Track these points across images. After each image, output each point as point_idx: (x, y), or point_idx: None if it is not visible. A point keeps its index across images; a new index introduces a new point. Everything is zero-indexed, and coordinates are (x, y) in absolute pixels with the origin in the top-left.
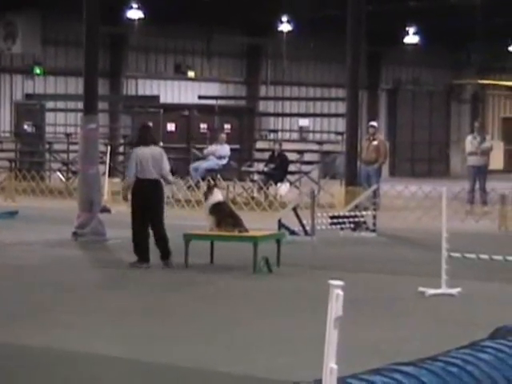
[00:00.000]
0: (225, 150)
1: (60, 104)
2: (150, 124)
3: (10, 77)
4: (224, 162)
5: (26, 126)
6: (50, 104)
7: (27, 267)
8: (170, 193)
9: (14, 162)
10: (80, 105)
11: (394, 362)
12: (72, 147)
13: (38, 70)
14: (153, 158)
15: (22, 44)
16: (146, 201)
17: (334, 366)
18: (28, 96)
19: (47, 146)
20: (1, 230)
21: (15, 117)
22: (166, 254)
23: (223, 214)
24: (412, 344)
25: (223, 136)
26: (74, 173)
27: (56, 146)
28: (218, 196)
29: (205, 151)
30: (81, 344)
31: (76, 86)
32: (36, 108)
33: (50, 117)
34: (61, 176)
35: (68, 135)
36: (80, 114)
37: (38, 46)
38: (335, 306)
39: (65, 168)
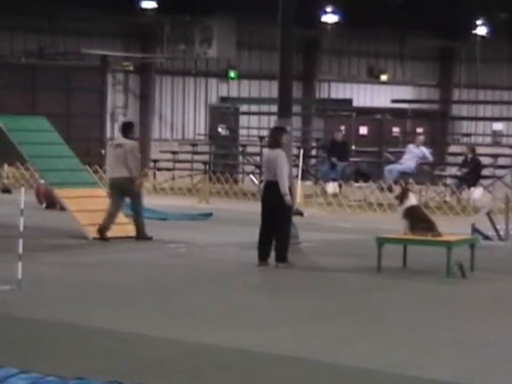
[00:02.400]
0: (422, 151)
1: (253, 107)
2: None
3: (206, 80)
4: (426, 160)
5: (220, 129)
6: (243, 107)
7: (221, 269)
8: (362, 196)
9: (208, 164)
10: (273, 108)
11: None
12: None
13: (232, 74)
14: (269, 160)
15: (217, 48)
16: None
17: None
18: (222, 99)
19: (241, 149)
20: (196, 232)
21: (210, 120)
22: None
23: (417, 219)
24: None
25: (420, 138)
26: None
27: (249, 149)
28: (412, 200)
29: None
30: (266, 345)
31: (269, 89)
32: (230, 111)
33: (243, 120)
34: (254, 179)
35: (261, 138)
36: (273, 117)
37: (233, 50)
38: None
39: (258, 171)
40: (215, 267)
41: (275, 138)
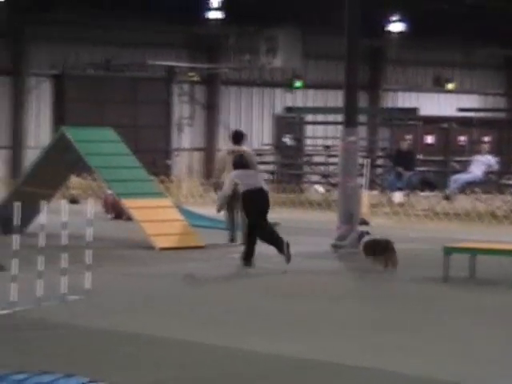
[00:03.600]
0: (488, 160)
1: (319, 117)
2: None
3: (271, 90)
4: (492, 168)
5: (285, 139)
6: (309, 117)
7: (287, 279)
8: (428, 205)
9: (273, 174)
10: (339, 117)
11: None
12: (331, 160)
13: (297, 84)
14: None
15: (282, 58)
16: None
17: None
18: (288, 109)
19: (306, 159)
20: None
21: (275, 130)
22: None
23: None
24: None
25: (485, 146)
26: (333, 185)
27: (315, 159)
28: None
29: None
30: (330, 354)
31: (335, 98)
32: (295, 121)
33: (308, 129)
34: (319, 188)
35: (327, 148)
36: (339, 127)
37: (298, 60)
38: None
39: (323, 180)
40: (280, 277)
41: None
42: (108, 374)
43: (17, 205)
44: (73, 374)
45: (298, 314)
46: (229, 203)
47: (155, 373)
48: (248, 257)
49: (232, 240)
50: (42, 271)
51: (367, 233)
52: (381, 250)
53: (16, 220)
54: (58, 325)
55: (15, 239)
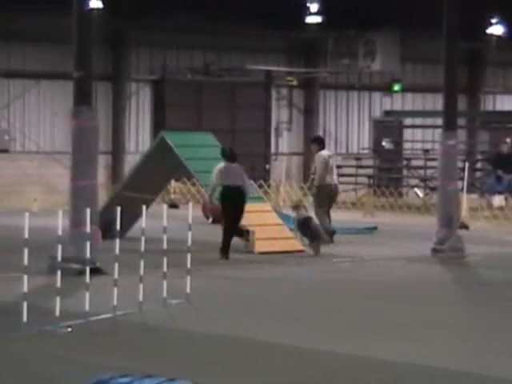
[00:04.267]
0: None
1: (417, 120)
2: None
3: (369, 94)
4: None
5: (384, 143)
6: (407, 120)
7: (387, 282)
8: None
9: (372, 178)
10: (438, 121)
11: None
12: (430, 163)
13: (396, 87)
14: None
15: (381, 62)
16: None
17: None
18: (386, 113)
19: (405, 163)
20: (361, 246)
21: (374, 133)
22: None
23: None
24: None
25: None
26: (432, 189)
27: (414, 162)
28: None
29: None
30: (436, 358)
31: (433, 102)
32: (394, 124)
33: (407, 133)
34: (418, 192)
35: (426, 151)
36: (438, 130)
37: (397, 64)
38: None
39: (422, 184)
40: (381, 281)
41: (234, 154)
42: (211, 377)
43: (118, 210)
44: (175, 377)
45: (410, 319)
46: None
47: (259, 377)
48: (225, 249)
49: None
50: (142, 275)
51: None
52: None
53: (117, 225)
54: (160, 328)
55: (116, 244)
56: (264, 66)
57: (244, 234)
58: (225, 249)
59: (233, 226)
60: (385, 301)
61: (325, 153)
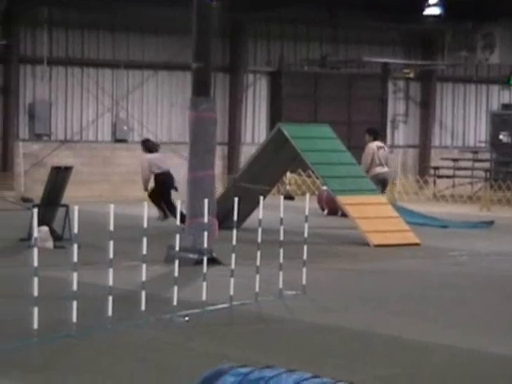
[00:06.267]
0: None
1: None
2: None
3: (487, 87)
4: None
5: (501, 136)
6: None
7: (503, 278)
8: None
9: (489, 171)
10: None
11: None
12: None
13: None
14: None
15: (499, 54)
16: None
17: None
18: (504, 106)
19: None
20: (477, 240)
21: (491, 127)
22: None
23: None
24: None
25: None
26: None
27: None
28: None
29: None
30: None
31: None
32: None
33: None
34: None
35: None
36: None
37: None
38: None
39: None
40: (498, 276)
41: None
42: (327, 369)
43: (235, 200)
44: (294, 369)
45: None
46: None
47: (373, 369)
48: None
49: None
50: (259, 266)
51: None
52: None
53: (234, 215)
54: (276, 319)
55: (233, 234)
56: (381, 58)
57: None
58: None
59: None
60: (506, 296)
61: (374, 144)
